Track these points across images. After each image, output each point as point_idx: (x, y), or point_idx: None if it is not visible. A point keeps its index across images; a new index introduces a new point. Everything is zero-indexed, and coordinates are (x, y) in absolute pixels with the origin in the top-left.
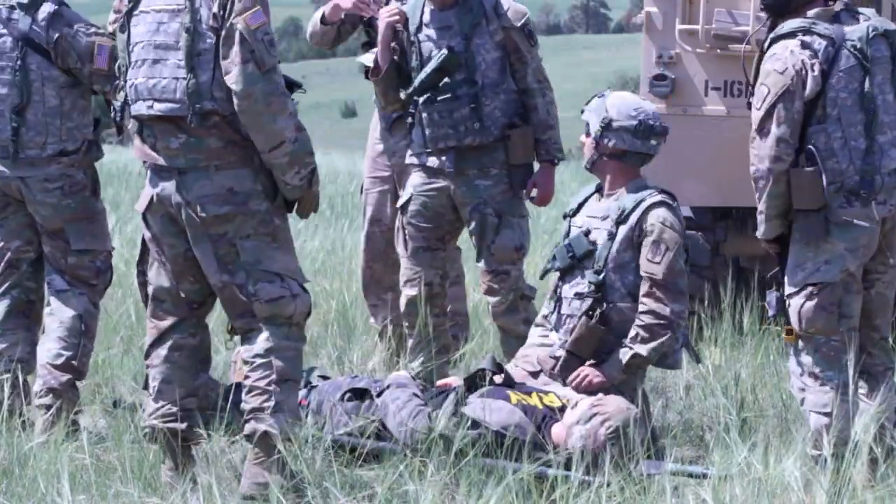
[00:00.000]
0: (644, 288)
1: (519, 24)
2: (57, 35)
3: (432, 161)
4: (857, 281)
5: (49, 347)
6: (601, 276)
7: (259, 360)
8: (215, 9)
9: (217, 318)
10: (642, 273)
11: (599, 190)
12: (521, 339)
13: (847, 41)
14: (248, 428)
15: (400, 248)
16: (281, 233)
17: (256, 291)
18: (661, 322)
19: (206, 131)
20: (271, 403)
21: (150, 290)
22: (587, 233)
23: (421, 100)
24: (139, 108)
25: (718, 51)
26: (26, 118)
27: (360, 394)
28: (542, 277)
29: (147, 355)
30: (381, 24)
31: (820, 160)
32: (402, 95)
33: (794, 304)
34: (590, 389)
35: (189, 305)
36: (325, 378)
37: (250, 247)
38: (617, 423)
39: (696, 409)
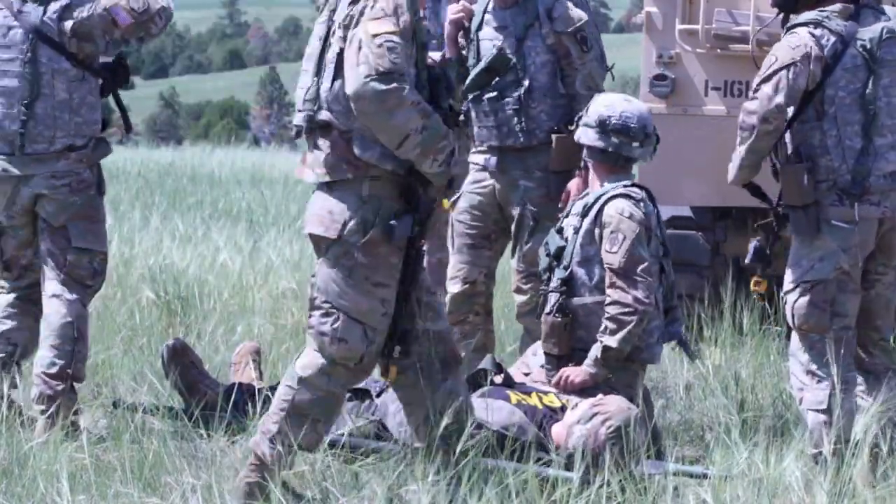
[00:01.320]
0: (607, 280)
1: (571, 30)
2: (73, 23)
3: (479, 158)
4: (853, 280)
5: (43, 356)
6: (568, 272)
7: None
8: (347, 20)
9: (218, 320)
10: (605, 265)
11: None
12: None
13: (857, 40)
14: (252, 445)
15: (449, 244)
16: (358, 271)
17: (310, 318)
18: (626, 310)
19: (336, 143)
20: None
21: None
22: (560, 230)
23: (470, 97)
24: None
25: (718, 51)
26: (35, 111)
27: (360, 394)
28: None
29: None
30: (447, 21)
31: (813, 157)
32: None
33: (790, 301)
34: (572, 389)
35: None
36: None
37: (325, 273)
38: (618, 422)
39: (696, 409)
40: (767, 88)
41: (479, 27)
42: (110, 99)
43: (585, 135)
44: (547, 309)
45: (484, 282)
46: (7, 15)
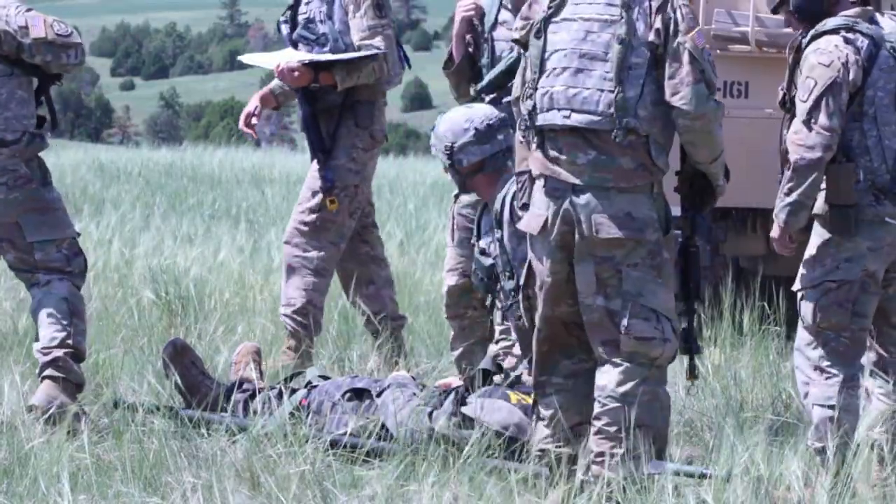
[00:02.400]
0: None
1: None
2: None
3: None
4: (875, 282)
5: (41, 336)
6: (515, 279)
7: (611, 404)
8: (658, 24)
9: (218, 320)
10: None
11: (486, 206)
12: None
13: (886, 41)
14: (593, 470)
15: (448, 237)
16: (666, 268)
17: (629, 326)
18: None
19: (622, 150)
20: (619, 451)
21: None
22: (482, 251)
23: (487, 98)
24: (551, 117)
25: (718, 51)
26: None
27: (360, 394)
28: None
29: (539, 384)
30: (457, 17)
31: (852, 157)
32: (472, 92)
33: (810, 298)
34: None
35: (566, 328)
36: (325, 378)
37: (635, 277)
38: None
39: (696, 409)
40: (817, 115)
41: (493, 27)
42: (110, 101)
43: (472, 154)
44: (513, 319)
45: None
46: None
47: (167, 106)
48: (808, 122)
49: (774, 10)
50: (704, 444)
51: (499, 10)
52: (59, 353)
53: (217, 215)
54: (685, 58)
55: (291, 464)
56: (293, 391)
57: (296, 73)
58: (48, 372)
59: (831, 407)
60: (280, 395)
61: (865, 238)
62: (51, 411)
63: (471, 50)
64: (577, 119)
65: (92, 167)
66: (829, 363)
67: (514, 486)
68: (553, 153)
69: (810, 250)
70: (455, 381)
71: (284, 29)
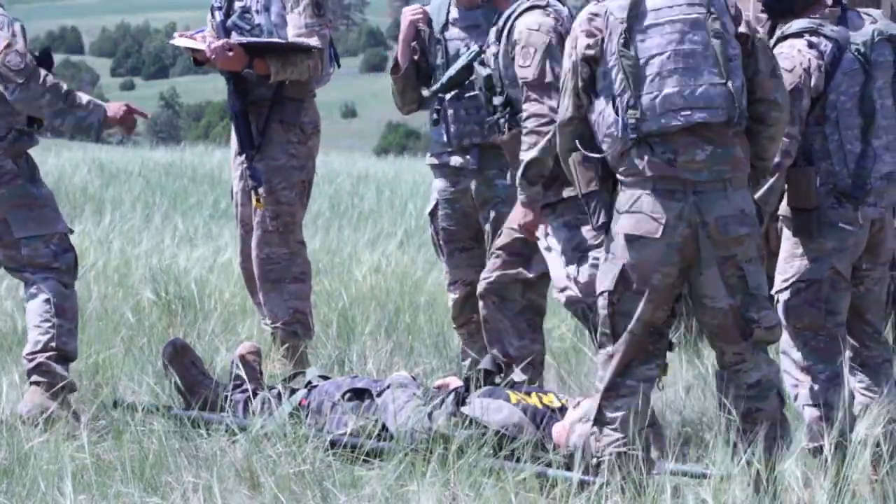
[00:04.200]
0: (523, 95)
1: None
2: None
3: (455, 160)
4: (844, 279)
5: (28, 340)
6: (504, 96)
7: (767, 394)
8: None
9: (218, 320)
10: (519, 80)
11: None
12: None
13: (851, 44)
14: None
15: (438, 255)
16: (760, 255)
17: (761, 318)
18: (543, 121)
19: (733, 140)
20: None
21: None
22: (482, 62)
23: (448, 97)
24: (668, 119)
25: None
26: None
27: (360, 394)
28: None
29: (613, 386)
30: (404, 23)
31: (814, 161)
32: (426, 93)
33: (782, 300)
34: (529, 230)
35: (650, 334)
36: (325, 378)
37: (753, 270)
38: None
39: (696, 409)
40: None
41: (445, 27)
42: (110, 101)
43: None
44: (500, 130)
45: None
46: None
47: (167, 106)
48: None
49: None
50: (704, 444)
51: (448, 10)
52: (42, 357)
53: (217, 215)
54: (768, 51)
55: (291, 464)
56: (293, 391)
57: (230, 54)
58: (33, 378)
59: (819, 405)
60: (280, 395)
61: (829, 239)
62: (43, 416)
63: (416, 57)
64: (699, 116)
65: (92, 167)
66: (812, 363)
67: (513, 486)
68: (667, 156)
69: (782, 253)
70: (455, 381)
71: (218, 15)
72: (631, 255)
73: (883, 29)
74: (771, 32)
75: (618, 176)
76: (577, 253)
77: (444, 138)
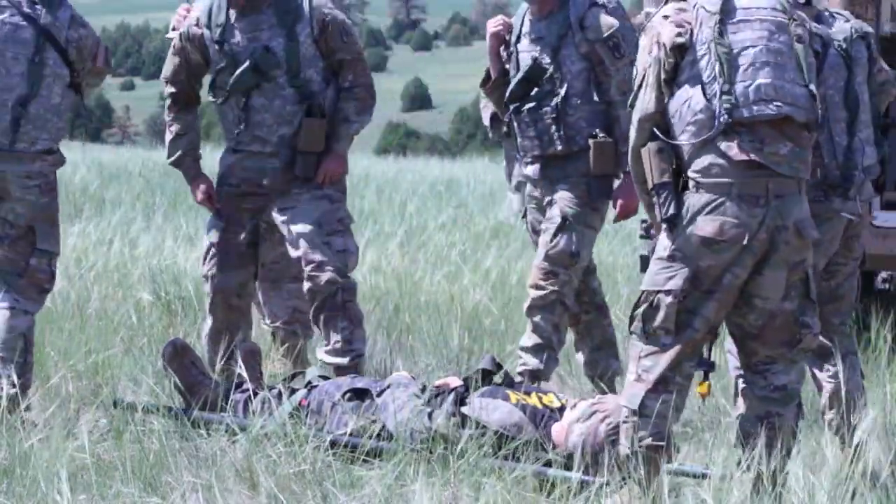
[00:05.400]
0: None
1: (603, 38)
2: (77, 35)
3: (529, 170)
4: (817, 273)
5: None
6: None
7: (792, 400)
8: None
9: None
10: None
11: None
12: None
13: (834, 41)
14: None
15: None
16: None
17: (812, 324)
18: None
19: (808, 142)
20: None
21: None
22: None
23: (511, 109)
24: (760, 108)
25: None
26: (28, 111)
27: (360, 394)
28: None
29: (664, 380)
30: (488, 34)
31: None
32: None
33: None
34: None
35: (712, 332)
36: (325, 378)
37: (812, 276)
38: (617, 420)
39: (696, 409)
40: None
41: (518, 39)
42: (110, 101)
43: None
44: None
45: (582, 280)
46: (14, 13)
47: None
48: None
49: None
50: (704, 444)
51: (522, 23)
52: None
53: None
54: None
55: (291, 464)
56: (293, 391)
57: None
58: None
59: None
60: (280, 395)
61: None
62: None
63: (507, 67)
64: (787, 110)
65: (92, 167)
66: None
67: (513, 486)
68: (754, 144)
69: None
70: (455, 380)
71: None
72: (707, 258)
73: (857, 27)
74: None
75: (691, 176)
76: None
77: (517, 149)
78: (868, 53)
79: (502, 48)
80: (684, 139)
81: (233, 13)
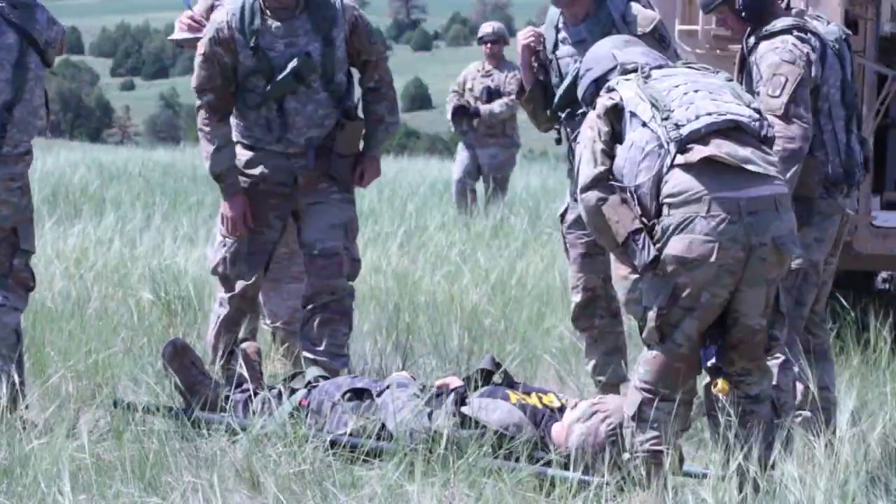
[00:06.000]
0: None
1: (649, 30)
2: (54, 35)
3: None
4: (817, 273)
5: None
6: None
7: (750, 401)
8: None
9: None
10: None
11: None
12: None
13: (828, 40)
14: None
15: (565, 258)
16: None
17: (780, 336)
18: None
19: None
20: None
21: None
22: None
23: (563, 115)
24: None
25: (718, 51)
26: (13, 115)
27: (360, 394)
28: None
29: (652, 392)
30: (519, 47)
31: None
32: (548, 113)
33: None
34: None
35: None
36: (325, 378)
37: (779, 288)
38: (617, 420)
39: (697, 410)
40: (801, 111)
41: (555, 47)
42: (110, 101)
43: None
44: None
45: (603, 286)
46: None
47: (167, 106)
48: (786, 116)
49: (708, 10)
50: (704, 444)
51: (557, 29)
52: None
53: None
54: None
55: (291, 464)
56: (293, 391)
57: None
58: None
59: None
60: (280, 395)
61: (814, 229)
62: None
63: (541, 77)
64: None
65: (92, 167)
66: None
67: (513, 486)
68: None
69: None
70: (455, 381)
71: None
72: (682, 277)
73: (840, 28)
74: (748, 36)
75: (664, 200)
76: None
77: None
78: (850, 54)
79: (533, 59)
80: (640, 181)
81: (269, 19)
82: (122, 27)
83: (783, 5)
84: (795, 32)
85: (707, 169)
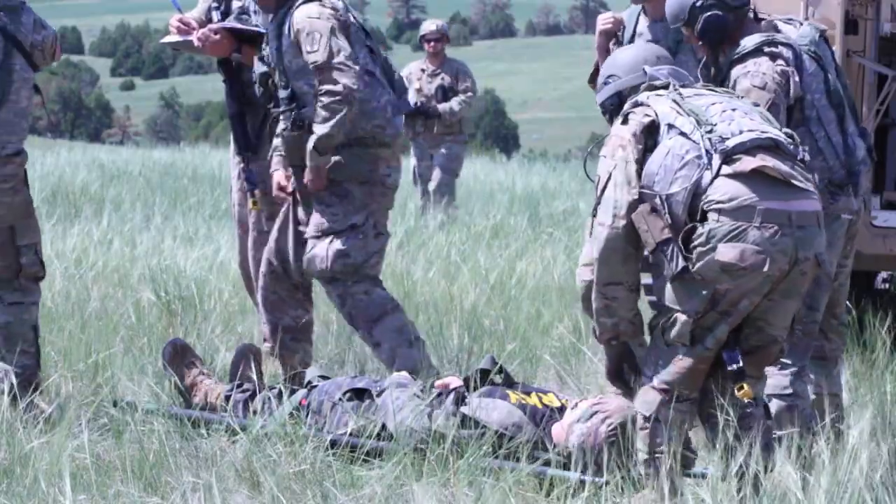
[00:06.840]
0: (316, 78)
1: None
2: (41, 38)
3: None
4: (828, 277)
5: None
6: (289, 89)
7: (750, 409)
8: None
9: (218, 320)
10: (310, 65)
11: None
12: None
13: (802, 46)
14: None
15: (585, 233)
16: None
17: (786, 348)
18: (336, 98)
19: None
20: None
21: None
22: (261, 58)
23: None
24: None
25: None
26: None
27: (360, 394)
28: None
29: (672, 393)
30: (597, 31)
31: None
32: None
33: None
34: (315, 189)
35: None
36: (325, 378)
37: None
38: (617, 421)
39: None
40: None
41: (632, 39)
42: (110, 101)
43: None
44: (283, 126)
45: None
46: None
47: (167, 106)
48: None
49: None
50: (704, 444)
51: (637, 21)
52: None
53: (217, 215)
54: None
55: (291, 464)
56: (293, 391)
57: (217, 36)
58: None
59: (786, 396)
60: (280, 395)
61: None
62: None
63: None
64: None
65: (92, 167)
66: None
67: (512, 485)
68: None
69: None
70: (455, 380)
71: (216, 16)
72: (726, 283)
73: (816, 28)
74: (714, 62)
75: (711, 206)
76: None
77: None
78: (830, 51)
79: (612, 44)
80: (676, 188)
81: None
82: (122, 27)
83: (751, 16)
84: (766, 49)
85: (756, 178)
